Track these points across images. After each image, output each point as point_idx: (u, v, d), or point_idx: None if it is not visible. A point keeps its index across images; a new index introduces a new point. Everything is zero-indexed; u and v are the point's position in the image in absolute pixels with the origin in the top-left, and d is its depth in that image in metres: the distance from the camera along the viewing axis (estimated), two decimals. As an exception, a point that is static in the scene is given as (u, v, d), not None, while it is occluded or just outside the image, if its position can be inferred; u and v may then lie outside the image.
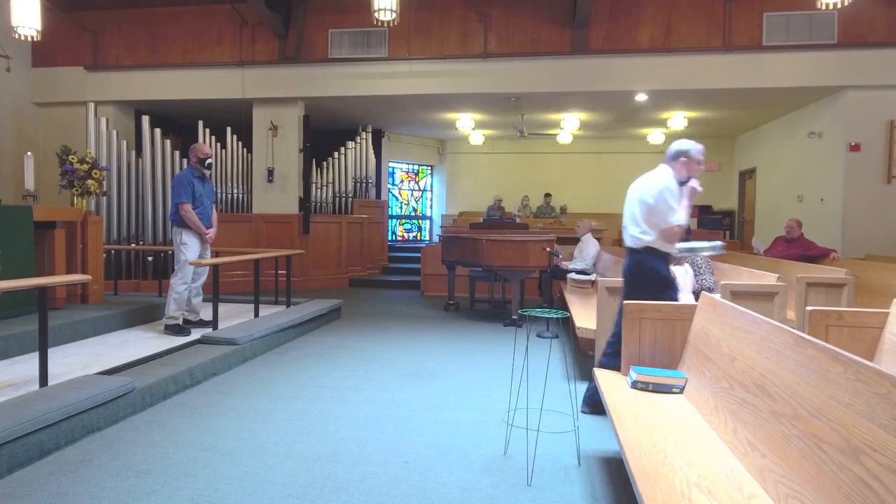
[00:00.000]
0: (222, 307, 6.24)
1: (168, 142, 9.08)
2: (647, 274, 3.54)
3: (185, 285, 5.35)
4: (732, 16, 8.27)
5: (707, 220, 12.73)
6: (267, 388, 4.22)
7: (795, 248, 6.87)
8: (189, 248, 5.36)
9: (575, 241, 7.91)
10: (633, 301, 3.15)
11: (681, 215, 3.44)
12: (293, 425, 3.47)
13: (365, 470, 2.87)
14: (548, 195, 13.47)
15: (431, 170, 15.05)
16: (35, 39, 5.95)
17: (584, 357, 5.18)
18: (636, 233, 3.57)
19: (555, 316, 3.25)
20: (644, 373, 2.84)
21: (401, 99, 9.57)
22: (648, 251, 3.54)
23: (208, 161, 5.51)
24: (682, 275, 4.42)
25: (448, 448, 3.17)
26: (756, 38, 8.21)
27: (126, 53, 9.57)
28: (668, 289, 3.56)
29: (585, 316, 4.95)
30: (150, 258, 8.79)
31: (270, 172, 9.59)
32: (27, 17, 5.73)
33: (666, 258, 3.58)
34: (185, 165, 5.65)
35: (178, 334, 5.28)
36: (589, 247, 7.46)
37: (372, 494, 2.62)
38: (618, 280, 4.69)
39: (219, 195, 9.19)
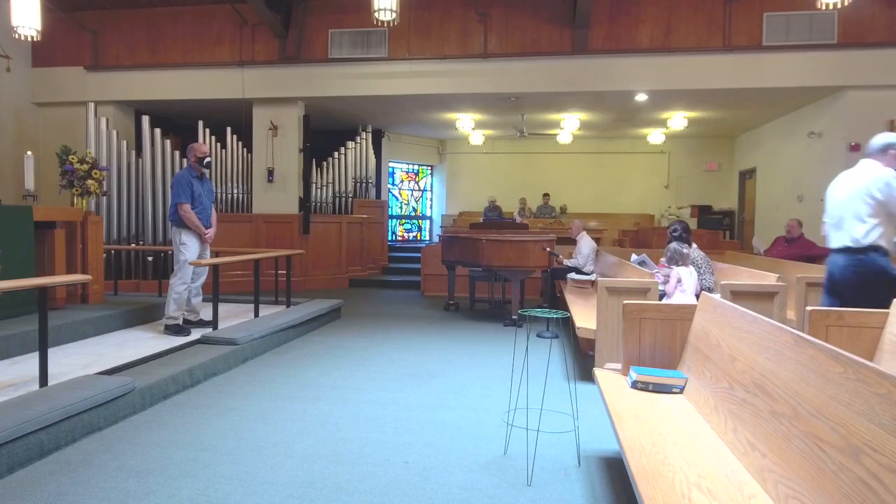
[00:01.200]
0: (222, 307, 6.24)
1: (168, 142, 9.09)
2: (874, 274, 3.45)
3: (184, 285, 5.34)
4: (732, 16, 8.27)
5: (707, 220, 12.74)
6: (267, 388, 4.22)
7: (796, 248, 6.87)
8: (188, 248, 5.36)
9: (575, 242, 7.91)
10: (633, 302, 3.15)
11: None
12: (293, 425, 3.47)
13: (365, 470, 2.87)
14: (546, 195, 13.47)
15: (431, 170, 15.05)
16: (35, 39, 5.94)
17: (584, 357, 5.18)
18: (861, 232, 3.49)
19: (555, 316, 3.24)
20: (644, 373, 2.84)
21: (401, 99, 9.58)
22: (872, 249, 3.47)
23: (207, 160, 5.50)
24: (688, 276, 4.43)
25: (448, 448, 3.17)
26: (756, 38, 8.21)
27: (126, 53, 9.57)
28: (894, 287, 3.43)
29: (585, 316, 4.95)
30: (150, 258, 8.79)
31: (270, 172, 9.59)
32: (27, 17, 5.73)
33: (889, 255, 3.51)
34: (184, 165, 5.67)
35: (178, 334, 5.28)
36: (583, 245, 7.47)
37: (372, 494, 2.62)
38: (619, 280, 4.70)
39: (219, 195, 9.19)
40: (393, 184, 14.34)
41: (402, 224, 14.81)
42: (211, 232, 5.51)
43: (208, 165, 5.55)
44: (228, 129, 9.40)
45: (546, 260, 6.73)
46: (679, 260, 4.53)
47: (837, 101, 8.45)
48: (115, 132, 8.91)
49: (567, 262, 7.39)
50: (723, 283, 4.52)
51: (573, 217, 11.70)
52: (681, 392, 2.77)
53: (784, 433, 1.80)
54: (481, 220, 11.11)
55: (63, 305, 5.66)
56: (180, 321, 5.41)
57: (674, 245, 4.67)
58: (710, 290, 4.95)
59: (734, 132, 12.63)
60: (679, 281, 4.39)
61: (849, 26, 7.96)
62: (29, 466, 2.85)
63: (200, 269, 5.51)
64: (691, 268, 4.58)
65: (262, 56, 9.28)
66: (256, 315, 6.07)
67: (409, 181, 14.87)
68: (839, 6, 5.49)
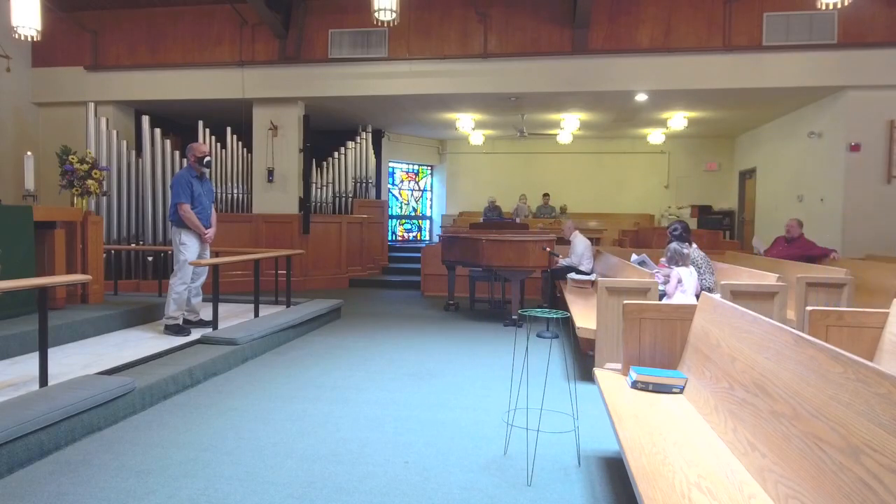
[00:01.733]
0: (222, 307, 6.24)
1: (168, 142, 9.08)
2: None
3: (184, 285, 5.34)
4: (732, 16, 8.27)
5: (707, 220, 12.74)
6: (267, 388, 4.22)
7: (796, 248, 6.87)
8: (188, 248, 5.36)
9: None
10: (633, 302, 3.15)
11: None
12: (293, 425, 3.47)
13: (365, 470, 2.87)
14: (546, 195, 13.47)
15: (431, 170, 15.05)
16: (35, 39, 5.94)
17: (584, 357, 5.18)
18: None
19: (555, 316, 3.24)
20: (644, 373, 2.84)
21: (401, 99, 9.58)
22: None
23: (207, 159, 5.49)
24: (688, 276, 4.43)
25: (448, 448, 3.17)
26: (756, 38, 8.21)
27: (126, 53, 9.57)
28: None
29: (585, 316, 4.95)
30: (150, 258, 8.79)
31: (270, 172, 9.59)
32: (27, 17, 5.73)
33: None
34: (184, 165, 5.68)
35: (178, 334, 5.28)
36: (576, 243, 7.48)
37: (372, 494, 2.62)
38: (619, 280, 4.70)
39: (219, 195, 9.19)
40: (393, 184, 14.34)
41: (402, 224, 14.81)
42: (211, 232, 5.51)
43: (208, 165, 5.54)
44: (228, 129, 9.39)
45: (546, 260, 6.73)
46: (679, 260, 4.53)
47: (837, 101, 8.45)
48: (115, 132, 8.91)
49: (562, 262, 7.40)
50: (723, 283, 4.53)
51: (574, 217, 11.70)
52: (681, 392, 2.77)
53: (784, 433, 1.80)
54: (481, 220, 11.12)
55: (63, 305, 5.66)
56: (180, 321, 5.41)
57: (674, 245, 4.67)
58: (710, 290, 4.95)
59: (734, 132, 12.63)
60: (679, 281, 4.39)
61: (849, 26, 7.96)
62: (29, 466, 2.85)
63: (200, 269, 5.51)
64: (691, 268, 4.58)
65: (262, 56, 9.28)
66: (256, 315, 6.07)
67: (409, 181, 14.87)
68: (839, 6, 5.48)
